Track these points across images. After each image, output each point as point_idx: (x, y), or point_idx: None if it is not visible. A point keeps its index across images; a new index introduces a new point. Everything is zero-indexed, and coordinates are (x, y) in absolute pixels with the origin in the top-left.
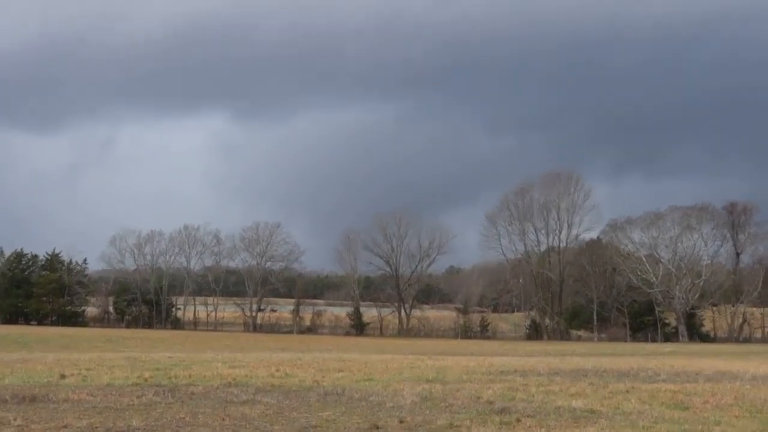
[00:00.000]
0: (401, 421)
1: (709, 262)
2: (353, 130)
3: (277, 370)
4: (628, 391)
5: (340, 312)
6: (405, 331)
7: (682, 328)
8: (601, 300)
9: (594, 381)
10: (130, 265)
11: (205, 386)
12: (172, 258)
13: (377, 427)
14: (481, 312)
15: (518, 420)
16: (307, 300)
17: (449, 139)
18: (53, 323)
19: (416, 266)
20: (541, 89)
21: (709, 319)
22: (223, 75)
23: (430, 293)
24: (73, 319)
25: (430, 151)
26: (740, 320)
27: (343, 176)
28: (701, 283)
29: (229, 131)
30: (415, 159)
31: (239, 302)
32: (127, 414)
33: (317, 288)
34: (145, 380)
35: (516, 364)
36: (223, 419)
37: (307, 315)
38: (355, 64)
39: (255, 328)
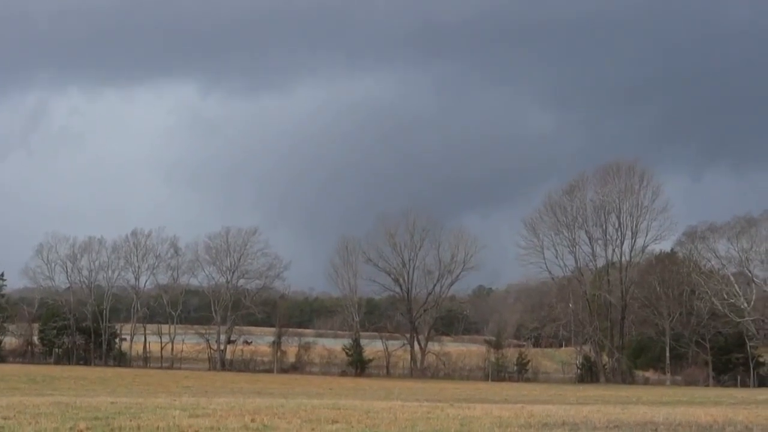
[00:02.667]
0: None
1: None
2: (357, 108)
3: (252, 420)
4: None
5: (335, 345)
6: (419, 371)
7: None
8: (676, 331)
9: None
10: (61, 282)
11: None
12: (116, 273)
13: None
14: (519, 346)
15: None
16: (292, 329)
17: (482, 121)
18: None
19: (434, 286)
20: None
21: None
22: (190, 38)
23: (452, 322)
24: None
25: (454, 139)
26: None
27: (341, 169)
28: None
29: (195, 108)
30: (435, 148)
31: (203, 332)
32: None
33: (305, 314)
34: None
35: (564, 414)
36: None
37: (291, 349)
38: (367, 25)
39: (224, 364)
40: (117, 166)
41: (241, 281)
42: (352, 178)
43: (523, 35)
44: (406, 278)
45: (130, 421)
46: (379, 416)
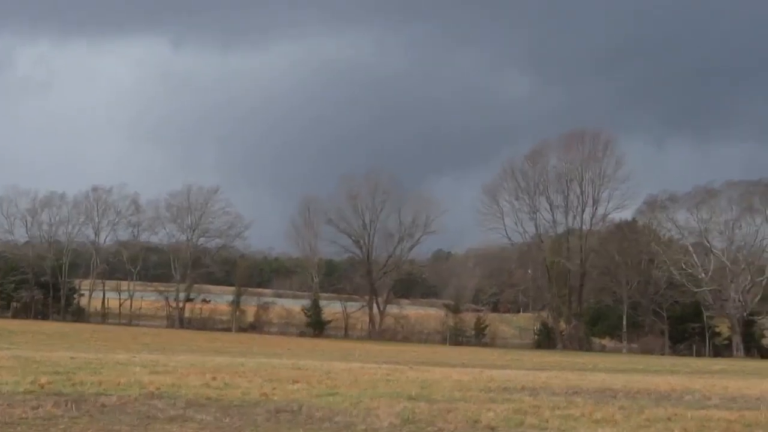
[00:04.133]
0: None
1: None
2: (329, 67)
3: (214, 379)
4: (669, 419)
5: (294, 306)
6: (377, 333)
7: (737, 340)
8: (634, 300)
9: (625, 405)
10: (20, 236)
11: (120, 396)
12: (76, 229)
13: None
14: (477, 311)
15: None
16: (251, 289)
17: (448, 83)
18: None
19: (394, 249)
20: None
21: None
22: None
23: (411, 285)
24: None
25: (426, 100)
26: None
27: (309, 128)
28: (764, 282)
29: (164, 62)
30: (406, 109)
31: (162, 289)
32: (19, 430)
33: (264, 274)
34: (41, 387)
35: (523, 379)
36: None
37: (250, 308)
38: None
39: (182, 323)
40: (80, 120)
41: (202, 240)
42: (318, 138)
43: (500, 5)
44: (366, 240)
45: (91, 376)
46: (339, 377)
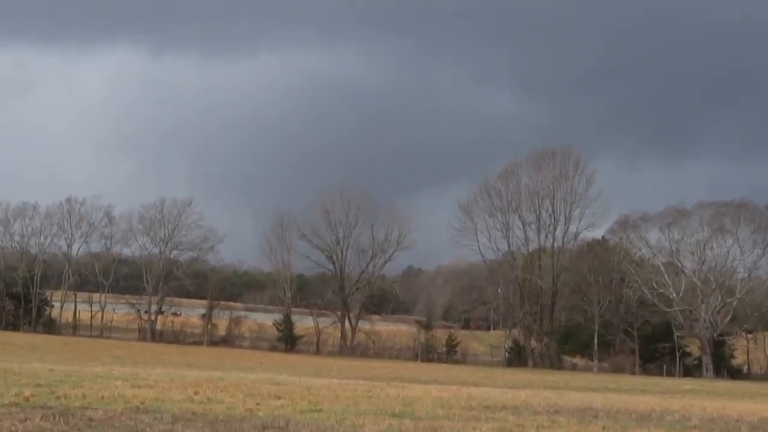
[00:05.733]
0: None
1: (745, 275)
2: (307, 81)
3: (196, 393)
4: None
5: (265, 320)
6: (349, 349)
7: (707, 360)
8: (605, 319)
9: (608, 425)
10: None
11: (106, 411)
12: (49, 240)
13: None
14: (448, 328)
15: None
16: (223, 302)
17: (428, 99)
18: None
19: (367, 265)
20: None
21: (742, 350)
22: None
23: (382, 301)
24: None
25: (405, 116)
26: None
27: (281, 143)
28: (734, 303)
29: (141, 73)
30: (375, 123)
31: (134, 302)
32: None
33: (235, 287)
34: (26, 400)
35: (502, 397)
36: None
37: (221, 322)
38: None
39: (154, 335)
40: (54, 130)
41: (175, 252)
42: (293, 152)
43: (479, 19)
44: (339, 256)
45: (74, 389)
46: (320, 393)
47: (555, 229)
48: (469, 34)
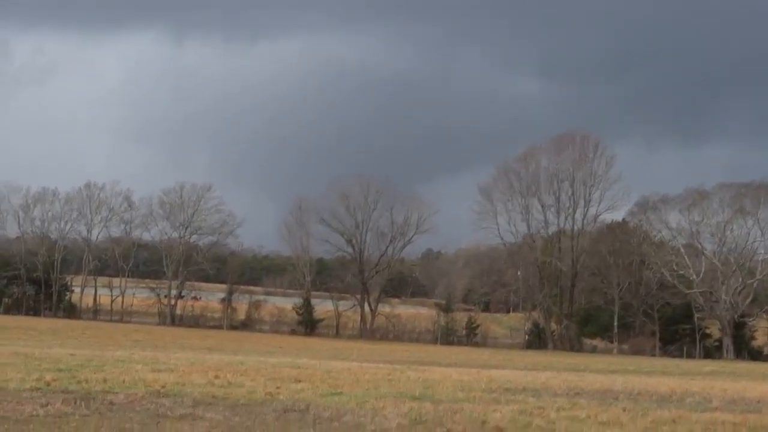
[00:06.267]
0: None
1: (766, 257)
2: (328, 66)
3: (217, 377)
4: (674, 422)
5: (285, 304)
6: (369, 332)
7: (728, 342)
8: (625, 301)
9: (628, 406)
10: (12, 231)
11: (128, 395)
12: (69, 225)
13: None
14: (468, 311)
15: None
16: (242, 286)
17: (440, 85)
18: None
19: (386, 248)
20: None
21: (763, 332)
22: None
23: (402, 284)
24: None
25: (429, 100)
26: None
27: (300, 129)
28: (755, 284)
29: (161, 59)
30: (395, 109)
31: (154, 286)
32: (31, 428)
33: (254, 271)
34: (47, 384)
35: (523, 379)
36: None
37: (241, 306)
38: None
39: (173, 320)
40: (74, 116)
41: (194, 237)
42: (312, 137)
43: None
44: (358, 239)
45: (95, 373)
46: (340, 377)
47: (574, 211)
48: (490, 19)
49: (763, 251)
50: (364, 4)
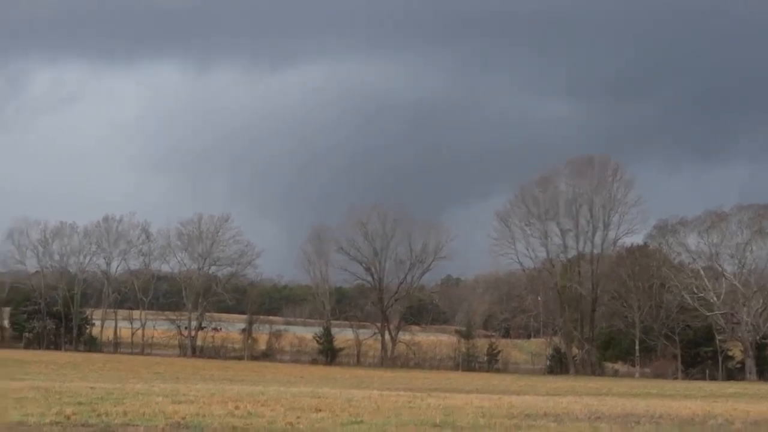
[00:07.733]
0: None
1: None
2: (346, 93)
3: (237, 408)
4: None
5: (305, 333)
6: (389, 360)
7: (751, 363)
8: (646, 324)
9: (650, 430)
10: (31, 266)
11: (148, 427)
12: (88, 259)
13: None
14: (488, 337)
15: None
16: (262, 317)
17: (459, 110)
18: None
19: (405, 276)
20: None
21: None
22: (185, 16)
23: (422, 311)
24: None
25: (427, 128)
26: None
27: (317, 156)
28: None
29: (172, 89)
30: (410, 138)
31: (174, 318)
32: None
33: (274, 301)
34: (67, 418)
35: (543, 405)
36: None
37: (261, 336)
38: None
39: (194, 351)
40: (90, 149)
41: (213, 268)
42: (329, 164)
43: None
44: (377, 267)
45: (115, 406)
46: (360, 405)
47: (593, 235)
48: (510, 43)
49: None
50: (382, 29)
